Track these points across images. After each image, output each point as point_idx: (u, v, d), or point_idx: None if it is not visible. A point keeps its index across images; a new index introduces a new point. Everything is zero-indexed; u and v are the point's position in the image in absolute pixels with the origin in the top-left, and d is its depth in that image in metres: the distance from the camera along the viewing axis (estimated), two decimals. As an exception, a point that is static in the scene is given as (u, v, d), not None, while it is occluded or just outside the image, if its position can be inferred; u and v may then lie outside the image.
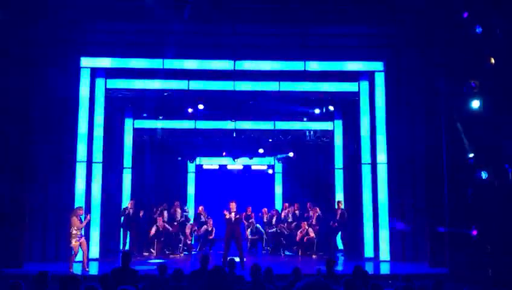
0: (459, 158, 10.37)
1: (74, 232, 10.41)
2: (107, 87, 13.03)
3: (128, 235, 13.84)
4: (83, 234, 10.63)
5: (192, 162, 20.27)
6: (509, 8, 9.29)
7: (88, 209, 12.22)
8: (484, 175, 9.80)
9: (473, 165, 10.18)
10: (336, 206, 13.83)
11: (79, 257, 10.64)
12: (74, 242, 10.39)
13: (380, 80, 12.75)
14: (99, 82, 12.89)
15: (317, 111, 14.88)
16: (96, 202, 12.51)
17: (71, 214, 10.71)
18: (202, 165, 20.85)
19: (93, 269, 10.81)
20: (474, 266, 9.60)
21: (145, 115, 15.64)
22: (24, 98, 11.21)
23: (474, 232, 9.81)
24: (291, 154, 18.60)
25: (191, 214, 16.84)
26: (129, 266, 7.01)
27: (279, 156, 19.71)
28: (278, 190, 20.33)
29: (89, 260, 10.87)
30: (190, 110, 14.49)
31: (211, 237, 14.82)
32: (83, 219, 10.67)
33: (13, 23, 10.48)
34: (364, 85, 13.19)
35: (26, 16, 10.79)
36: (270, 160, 20.53)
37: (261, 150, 18.15)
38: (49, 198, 11.69)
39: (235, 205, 11.30)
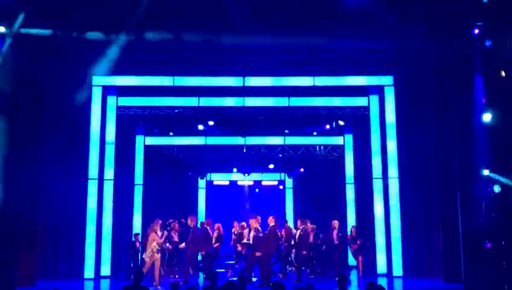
0: (472, 171, 10.25)
1: (152, 247, 10.31)
2: (119, 104, 13.19)
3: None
4: (159, 249, 10.55)
5: (203, 178, 20.31)
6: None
7: (100, 226, 12.27)
8: (497, 189, 9.67)
9: (486, 179, 10.05)
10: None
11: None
12: (149, 259, 10.31)
13: (389, 93, 12.72)
14: (111, 100, 13.04)
15: (327, 127, 14.90)
16: (108, 219, 12.55)
17: (150, 229, 10.78)
18: (213, 181, 20.88)
19: (105, 287, 10.80)
20: (490, 282, 9.42)
21: (156, 131, 15.70)
22: (36, 116, 11.35)
23: (488, 245, 9.67)
24: (301, 169, 18.59)
25: None
26: (141, 284, 7.00)
27: (290, 175, 19.69)
28: (289, 205, 20.25)
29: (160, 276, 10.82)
30: (201, 127, 14.59)
31: None
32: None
33: (25, 43, 10.65)
34: (374, 99, 13.18)
35: (37, 34, 10.95)
36: (280, 175, 20.50)
37: (271, 166, 18.14)
38: (61, 215, 11.71)
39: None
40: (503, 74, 9.66)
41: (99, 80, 12.64)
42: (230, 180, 20.90)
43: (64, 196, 11.74)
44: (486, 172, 9.96)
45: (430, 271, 11.74)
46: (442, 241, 11.21)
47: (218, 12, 10.98)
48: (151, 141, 16.20)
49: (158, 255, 10.46)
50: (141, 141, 15.80)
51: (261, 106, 13.38)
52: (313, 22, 11.36)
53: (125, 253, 13.57)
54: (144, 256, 10.38)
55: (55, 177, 11.66)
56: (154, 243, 10.26)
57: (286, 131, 15.88)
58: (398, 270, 12.03)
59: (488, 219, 9.86)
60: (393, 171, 12.46)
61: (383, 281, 11.30)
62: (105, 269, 12.20)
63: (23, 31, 10.25)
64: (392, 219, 12.29)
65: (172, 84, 12.67)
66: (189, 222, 11.91)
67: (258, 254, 10.79)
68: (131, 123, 14.83)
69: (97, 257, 12.05)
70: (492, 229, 9.74)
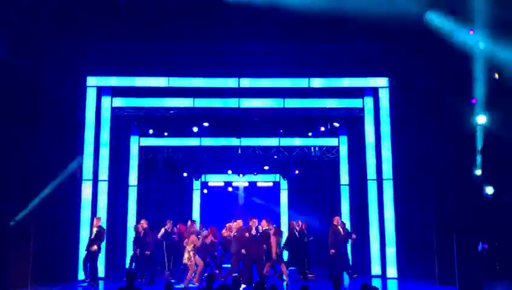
0: (467, 174, 10.29)
1: (190, 249, 10.22)
2: (113, 105, 13.13)
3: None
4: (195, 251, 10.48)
5: (198, 180, 20.27)
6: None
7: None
8: (490, 191, 9.72)
9: (481, 181, 10.10)
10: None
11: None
12: (190, 261, 10.19)
13: (384, 95, 12.75)
14: (105, 100, 12.99)
15: (322, 129, 14.94)
16: (102, 221, 12.46)
17: (187, 231, 10.80)
18: (208, 182, 20.86)
19: (99, 289, 10.75)
20: (484, 283, 9.46)
21: (151, 131, 15.61)
22: (31, 117, 11.28)
23: (485, 246, 9.73)
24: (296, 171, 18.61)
25: None
26: (134, 285, 6.97)
27: (285, 177, 19.71)
28: (284, 206, 20.23)
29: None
30: (195, 129, 14.56)
31: None
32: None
33: (21, 45, 10.60)
34: (369, 101, 13.20)
35: (33, 36, 10.91)
36: (275, 177, 20.50)
37: (266, 167, 18.13)
38: (55, 217, 11.62)
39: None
40: (496, 76, 9.71)
41: (94, 81, 12.60)
42: (225, 182, 20.88)
43: (59, 197, 11.65)
44: (480, 173, 10.01)
45: (425, 273, 11.75)
46: (436, 243, 11.22)
47: (215, 15, 11.00)
48: (146, 142, 16.15)
49: (197, 257, 10.38)
50: (136, 142, 15.76)
51: (257, 108, 13.36)
52: (308, 24, 11.37)
53: (119, 255, 13.53)
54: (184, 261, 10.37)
55: (49, 178, 11.58)
56: (192, 245, 10.16)
57: (281, 131, 15.82)
58: (392, 272, 12.05)
59: (482, 220, 9.90)
60: (388, 172, 12.49)
61: (377, 283, 11.31)
62: (100, 271, 12.12)
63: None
64: (386, 220, 12.32)
65: (167, 85, 12.65)
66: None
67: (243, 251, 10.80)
68: (126, 124, 14.78)
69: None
70: (486, 231, 9.79)
